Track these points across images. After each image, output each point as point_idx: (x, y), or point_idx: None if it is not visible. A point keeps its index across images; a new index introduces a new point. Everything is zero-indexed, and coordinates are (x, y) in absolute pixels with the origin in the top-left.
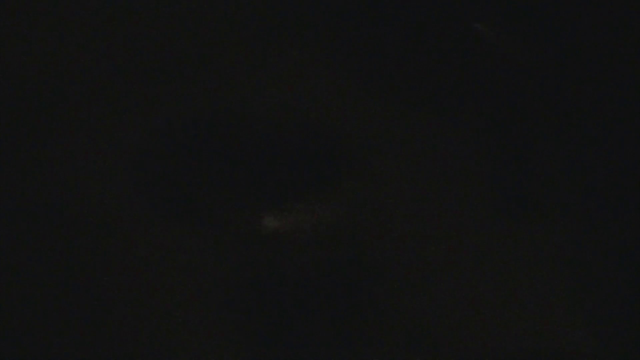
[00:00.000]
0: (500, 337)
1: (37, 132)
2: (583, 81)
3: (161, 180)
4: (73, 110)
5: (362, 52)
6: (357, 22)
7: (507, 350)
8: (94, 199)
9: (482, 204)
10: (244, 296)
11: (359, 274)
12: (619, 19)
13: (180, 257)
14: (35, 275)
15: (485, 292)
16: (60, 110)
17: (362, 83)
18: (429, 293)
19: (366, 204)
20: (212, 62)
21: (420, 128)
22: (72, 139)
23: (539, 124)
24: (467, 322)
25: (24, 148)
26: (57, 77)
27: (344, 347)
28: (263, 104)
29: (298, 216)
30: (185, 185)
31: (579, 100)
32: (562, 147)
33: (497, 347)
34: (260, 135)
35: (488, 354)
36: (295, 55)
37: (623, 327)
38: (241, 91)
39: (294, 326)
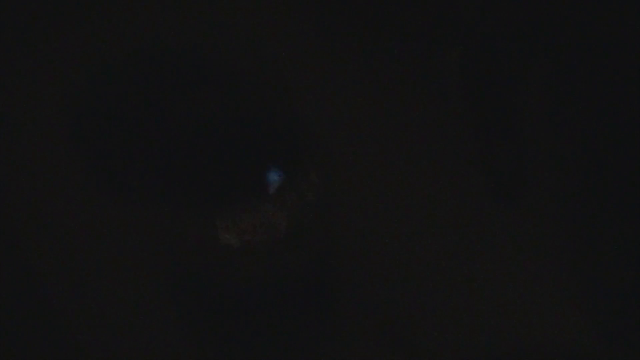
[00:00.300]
0: (494, 333)
1: None
2: (576, 59)
3: (99, 159)
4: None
5: (334, 23)
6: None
7: (502, 346)
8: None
9: (468, 189)
10: (201, 302)
11: (330, 275)
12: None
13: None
14: None
15: (474, 285)
16: None
17: (328, 54)
18: (413, 289)
19: (337, 197)
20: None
21: (397, 108)
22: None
23: (530, 99)
24: (454, 319)
25: None
26: None
27: (316, 349)
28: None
29: (258, 218)
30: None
31: (570, 77)
32: (556, 123)
33: (491, 343)
34: (213, 118)
35: (481, 352)
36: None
37: (625, 320)
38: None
39: (258, 333)
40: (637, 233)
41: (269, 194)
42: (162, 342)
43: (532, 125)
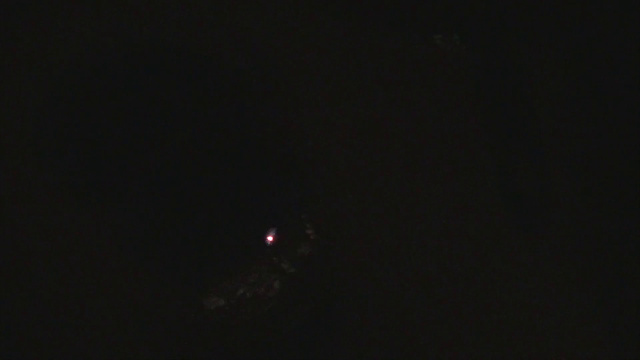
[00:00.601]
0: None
1: None
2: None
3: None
4: None
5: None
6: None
7: None
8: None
9: (482, 207)
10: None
11: (328, 336)
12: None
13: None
14: None
15: (488, 306)
16: None
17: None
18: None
19: (334, 250)
20: None
21: (406, 123)
22: None
23: (552, 113)
24: (467, 342)
25: None
26: None
27: None
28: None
29: (248, 278)
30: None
31: (589, 98)
32: (576, 141)
33: None
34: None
35: None
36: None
37: None
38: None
39: None
40: None
41: (258, 251)
42: None
43: (556, 145)
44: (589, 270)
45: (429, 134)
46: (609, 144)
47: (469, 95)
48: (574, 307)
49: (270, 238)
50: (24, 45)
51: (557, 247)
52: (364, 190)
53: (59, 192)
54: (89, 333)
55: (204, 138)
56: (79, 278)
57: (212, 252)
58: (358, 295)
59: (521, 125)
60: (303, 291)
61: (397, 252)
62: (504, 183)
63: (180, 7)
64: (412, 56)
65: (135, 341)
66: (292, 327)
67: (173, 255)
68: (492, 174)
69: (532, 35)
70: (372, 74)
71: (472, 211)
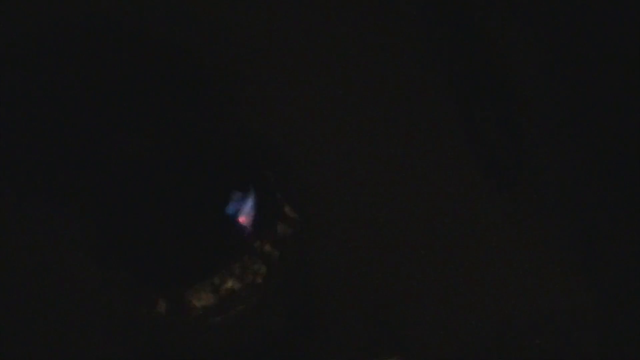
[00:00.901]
0: (492, 320)
1: None
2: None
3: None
4: None
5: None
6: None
7: (503, 318)
8: None
9: (458, 170)
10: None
11: (317, 317)
12: None
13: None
14: None
15: (471, 268)
16: None
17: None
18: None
19: (315, 228)
20: None
21: (377, 114)
22: None
23: (525, 77)
24: (451, 303)
25: None
26: None
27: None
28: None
29: (234, 270)
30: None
31: (569, 52)
32: (554, 102)
33: (492, 318)
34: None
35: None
36: None
37: (626, 290)
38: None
39: None
40: (636, 214)
41: (238, 239)
42: None
43: (528, 106)
44: (567, 225)
45: (398, 102)
46: (585, 96)
47: (432, 50)
48: (555, 261)
49: (244, 219)
50: None
51: (534, 205)
52: (338, 163)
53: (36, 195)
54: (73, 336)
55: (176, 126)
56: (56, 279)
57: (192, 246)
58: (341, 271)
59: (489, 78)
60: (290, 275)
61: (377, 225)
62: (474, 139)
63: None
64: (367, 10)
65: (125, 345)
66: (284, 315)
67: (154, 255)
68: (461, 130)
69: None
70: (333, 39)
71: (450, 180)
